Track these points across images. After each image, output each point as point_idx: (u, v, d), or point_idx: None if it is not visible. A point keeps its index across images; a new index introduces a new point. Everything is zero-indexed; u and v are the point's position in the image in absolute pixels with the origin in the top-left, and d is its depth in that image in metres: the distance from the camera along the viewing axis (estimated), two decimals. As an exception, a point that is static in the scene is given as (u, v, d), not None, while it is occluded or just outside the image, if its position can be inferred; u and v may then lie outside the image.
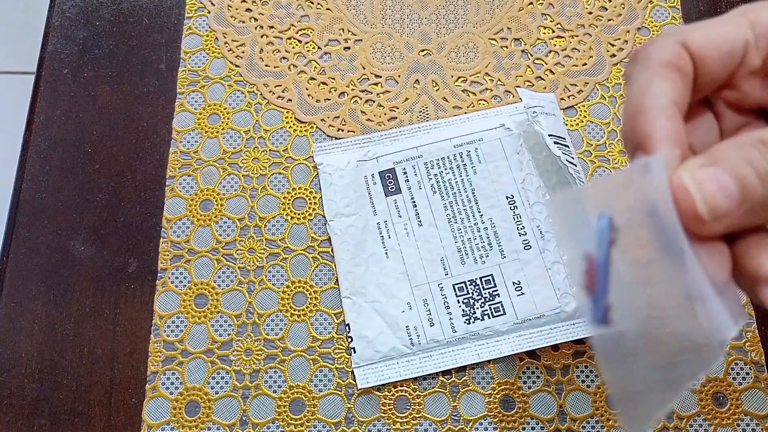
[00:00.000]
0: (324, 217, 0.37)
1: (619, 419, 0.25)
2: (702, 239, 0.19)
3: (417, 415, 0.34)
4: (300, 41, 0.42)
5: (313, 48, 0.42)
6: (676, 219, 0.18)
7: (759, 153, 0.18)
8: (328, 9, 0.43)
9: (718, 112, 0.22)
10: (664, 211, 0.18)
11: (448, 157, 0.38)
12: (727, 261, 0.19)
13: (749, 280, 0.19)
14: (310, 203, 0.38)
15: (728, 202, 0.18)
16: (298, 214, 0.38)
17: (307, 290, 0.36)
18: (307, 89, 0.41)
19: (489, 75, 0.41)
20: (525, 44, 0.42)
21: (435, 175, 0.38)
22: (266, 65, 0.42)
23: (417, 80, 0.41)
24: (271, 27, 0.43)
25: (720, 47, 0.21)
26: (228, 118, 0.40)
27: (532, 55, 0.42)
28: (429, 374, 0.34)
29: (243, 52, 0.42)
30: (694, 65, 0.21)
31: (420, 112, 0.40)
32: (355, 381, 0.34)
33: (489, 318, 0.35)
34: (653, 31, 0.42)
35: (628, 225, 0.18)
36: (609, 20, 0.43)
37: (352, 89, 0.41)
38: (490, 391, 0.34)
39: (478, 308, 0.35)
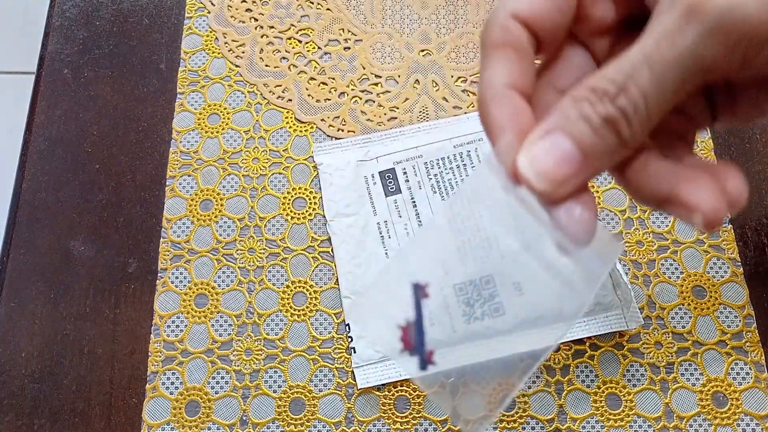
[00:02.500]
0: (324, 217, 0.37)
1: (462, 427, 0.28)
2: (564, 198, 0.20)
3: (417, 415, 0.34)
4: (300, 41, 0.42)
5: (313, 48, 0.42)
6: (524, 192, 0.20)
7: (590, 105, 0.19)
8: (328, 9, 0.43)
9: (586, 43, 0.22)
10: (511, 189, 0.20)
11: (448, 157, 0.38)
12: (589, 209, 0.20)
13: (648, 202, 0.20)
14: (310, 203, 0.38)
15: (569, 165, 0.19)
16: (298, 214, 0.38)
17: (307, 290, 0.36)
18: (307, 89, 0.41)
19: (489, 75, 0.41)
20: (525, 44, 0.42)
21: (435, 175, 0.38)
22: (266, 65, 0.42)
23: (417, 80, 0.41)
24: (271, 27, 0.43)
25: None
26: (228, 118, 0.40)
27: (532, 55, 0.42)
28: (429, 374, 0.34)
29: (243, 52, 0.42)
30: (531, 29, 0.21)
31: (420, 112, 0.40)
32: (355, 381, 0.34)
33: (489, 318, 0.35)
34: (653, 31, 0.42)
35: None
36: (609, 20, 0.43)
37: (352, 89, 0.41)
38: (490, 391, 0.34)
39: (478, 308, 0.35)
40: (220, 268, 0.37)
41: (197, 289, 0.36)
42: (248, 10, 0.43)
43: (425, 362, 0.22)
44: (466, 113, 0.40)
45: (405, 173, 0.38)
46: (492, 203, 0.21)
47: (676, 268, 0.36)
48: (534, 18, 0.21)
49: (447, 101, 0.41)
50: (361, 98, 0.41)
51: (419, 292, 0.22)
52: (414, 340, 0.22)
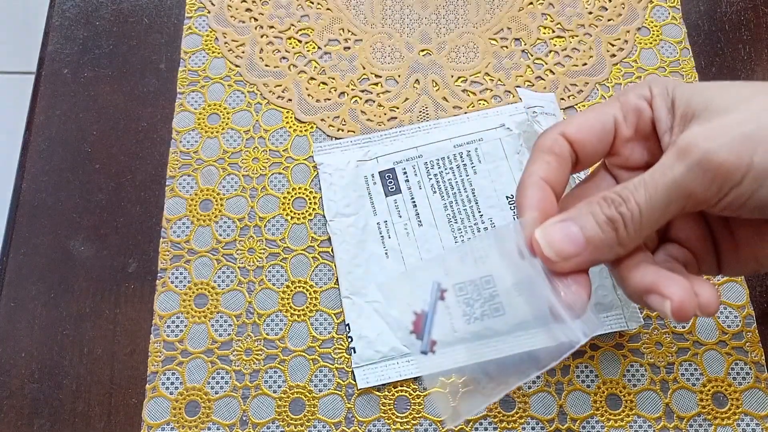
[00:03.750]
0: (324, 217, 0.37)
1: (444, 416, 0.33)
2: (565, 274, 0.25)
3: (417, 415, 0.34)
4: (300, 41, 0.42)
5: (313, 48, 0.42)
6: (537, 262, 0.26)
7: (599, 207, 0.25)
8: (328, 9, 0.43)
9: (615, 174, 0.28)
10: (527, 256, 0.26)
11: (448, 157, 0.38)
12: (584, 290, 0.25)
13: (634, 292, 0.25)
14: (310, 203, 0.38)
15: (574, 246, 0.25)
16: (298, 214, 0.38)
17: (307, 290, 0.36)
18: (307, 89, 0.41)
19: (489, 75, 0.41)
20: (525, 44, 0.42)
21: (435, 175, 0.38)
22: (266, 65, 0.42)
23: (417, 80, 0.41)
24: (271, 27, 0.43)
25: (593, 129, 0.27)
26: (228, 118, 0.40)
27: (532, 55, 0.42)
28: (429, 374, 0.34)
29: (243, 52, 0.42)
30: (573, 147, 0.27)
31: (420, 112, 0.40)
32: (355, 381, 0.34)
33: (489, 318, 0.35)
34: (653, 31, 0.42)
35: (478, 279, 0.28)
36: (609, 20, 0.43)
37: (352, 89, 0.41)
38: (490, 391, 0.34)
39: (477, 308, 0.35)
40: (220, 268, 0.37)
41: (197, 289, 0.36)
42: (248, 9, 0.43)
43: (427, 348, 0.26)
44: (466, 113, 0.40)
45: (405, 173, 0.38)
46: (508, 258, 0.27)
47: (676, 268, 0.36)
48: (577, 140, 0.27)
49: (447, 101, 0.41)
50: (361, 98, 0.41)
51: (439, 292, 0.27)
52: (423, 328, 0.27)
